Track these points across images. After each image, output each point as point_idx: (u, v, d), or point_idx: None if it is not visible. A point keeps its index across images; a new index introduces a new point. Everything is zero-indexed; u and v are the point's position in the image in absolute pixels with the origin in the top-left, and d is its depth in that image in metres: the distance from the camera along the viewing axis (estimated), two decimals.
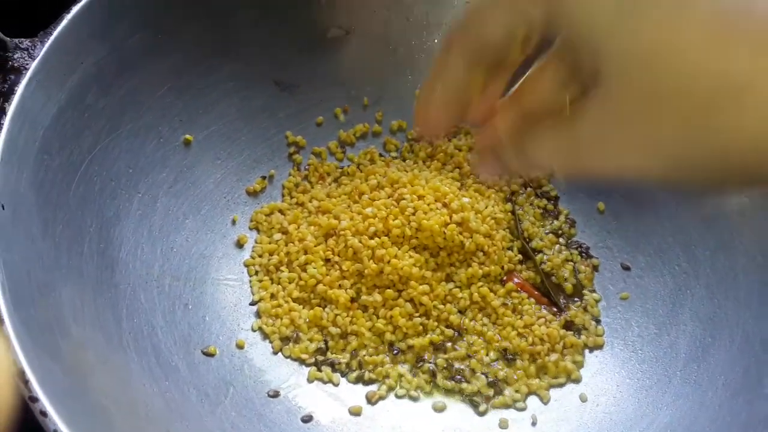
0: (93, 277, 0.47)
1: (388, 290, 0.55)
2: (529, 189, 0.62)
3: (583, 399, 0.53)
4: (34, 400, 0.35)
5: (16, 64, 0.45)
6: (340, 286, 0.55)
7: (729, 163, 0.29)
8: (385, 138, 0.65)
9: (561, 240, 0.60)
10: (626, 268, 0.59)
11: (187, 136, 0.57)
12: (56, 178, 0.46)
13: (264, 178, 0.61)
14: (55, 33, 0.47)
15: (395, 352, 0.54)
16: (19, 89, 0.44)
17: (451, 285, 0.56)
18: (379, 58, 0.65)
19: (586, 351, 0.56)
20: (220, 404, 0.48)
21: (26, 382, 0.36)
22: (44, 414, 0.35)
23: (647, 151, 0.30)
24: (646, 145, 0.30)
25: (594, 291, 0.58)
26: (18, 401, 0.26)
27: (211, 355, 0.51)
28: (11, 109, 0.44)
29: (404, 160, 0.63)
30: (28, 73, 0.45)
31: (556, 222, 0.61)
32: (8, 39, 0.46)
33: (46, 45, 0.47)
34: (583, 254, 0.60)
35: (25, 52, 0.46)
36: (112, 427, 0.40)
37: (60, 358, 0.40)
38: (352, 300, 0.55)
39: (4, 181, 0.42)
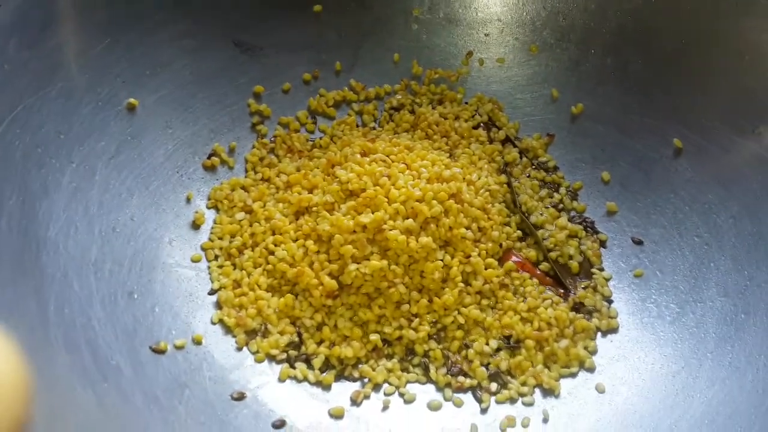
0: (11, 258, 0.40)
1: (373, 261, 0.46)
2: (524, 159, 0.56)
3: (600, 390, 0.47)
4: None
5: None
6: (312, 266, 0.47)
7: None
8: (360, 106, 0.57)
9: (563, 214, 0.54)
10: (638, 243, 0.53)
11: (132, 100, 0.51)
12: None
13: (223, 150, 0.53)
14: None
15: (382, 344, 0.47)
16: None
17: (441, 264, 0.48)
18: (353, 17, 0.58)
19: (599, 335, 0.49)
20: (172, 410, 0.41)
21: None
22: None
23: None
24: None
25: (603, 269, 0.52)
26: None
27: (161, 352, 0.44)
28: None
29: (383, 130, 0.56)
30: None
31: (556, 195, 0.55)
32: None
33: None
34: (589, 229, 0.54)
35: None
36: None
37: None
38: (333, 296, 0.47)
39: None
